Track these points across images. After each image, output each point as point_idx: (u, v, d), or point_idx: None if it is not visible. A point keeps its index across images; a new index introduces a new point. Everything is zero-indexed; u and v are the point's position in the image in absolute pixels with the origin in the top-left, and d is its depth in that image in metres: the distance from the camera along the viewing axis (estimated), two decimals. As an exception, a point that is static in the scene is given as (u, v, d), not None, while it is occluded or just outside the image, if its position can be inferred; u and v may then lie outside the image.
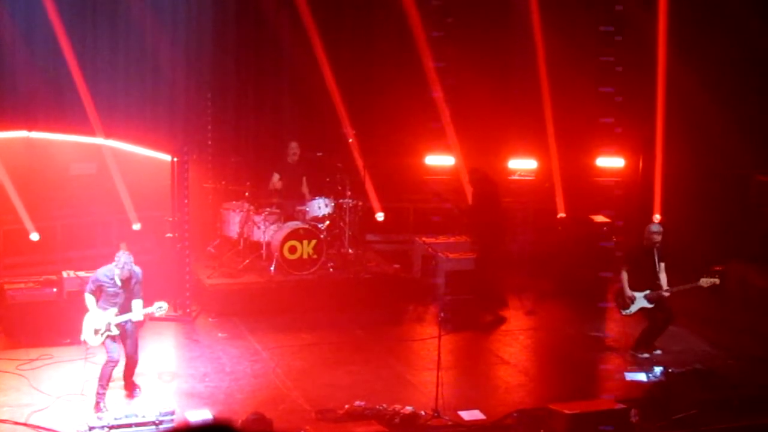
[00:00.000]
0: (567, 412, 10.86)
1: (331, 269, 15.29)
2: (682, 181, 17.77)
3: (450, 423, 11.30)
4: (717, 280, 13.37)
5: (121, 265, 11.35)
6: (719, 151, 17.55)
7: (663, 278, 13.44)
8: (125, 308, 11.49)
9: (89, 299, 11.48)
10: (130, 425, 10.56)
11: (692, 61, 17.30)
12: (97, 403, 11.22)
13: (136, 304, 11.50)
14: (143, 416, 10.65)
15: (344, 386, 12.20)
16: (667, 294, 13.34)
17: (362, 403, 11.38)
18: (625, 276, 13.50)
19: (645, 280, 13.45)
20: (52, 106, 15.44)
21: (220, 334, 13.92)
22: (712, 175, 17.74)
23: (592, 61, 17.36)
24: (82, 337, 11.53)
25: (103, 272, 11.53)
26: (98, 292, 11.50)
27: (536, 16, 17.33)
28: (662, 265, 13.49)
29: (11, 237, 15.16)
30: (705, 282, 13.37)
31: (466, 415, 11.48)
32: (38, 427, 10.82)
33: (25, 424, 10.87)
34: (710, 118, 17.34)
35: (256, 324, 14.20)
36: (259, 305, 14.69)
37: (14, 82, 15.20)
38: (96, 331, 11.43)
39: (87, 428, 10.50)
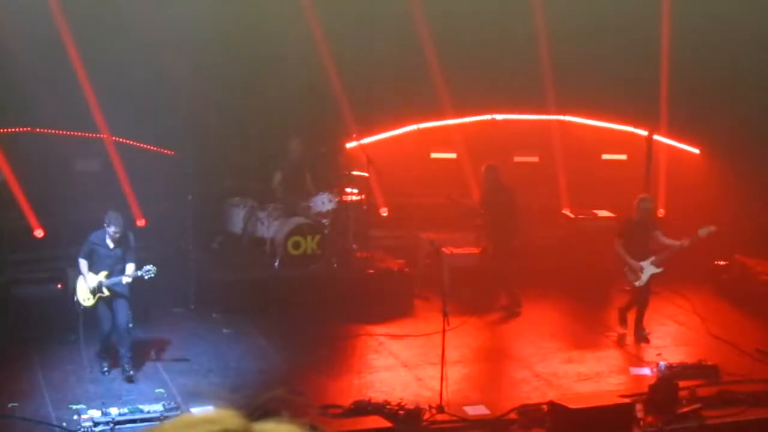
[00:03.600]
0: (571, 407, 10.85)
1: (335, 265, 15.29)
2: (688, 176, 17.79)
3: (454, 418, 11.30)
4: (713, 228, 13.84)
5: (110, 222, 11.73)
6: (725, 145, 17.55)
7: (668, 241, 13.91)
8: (117, 273, 11.90)
9: (82, 263, 11.94)
10: (134, 420, 10.58)
11: (697, 55, 17.31)
12: (101, 369, 11.91)
13: (129, 267, 11.89)
14: (148, 411, 10.67)
15: (348, 381, 12.21)
16: (687, 245, 13.79)
17: (366, 398, 11.39)
18: (621, 248, 13.87)
19: (644, 249, 13.87)
20: (56, 102, 15.45)
21: (224, 330, 13.92)
22: (718, 169, 17.74)
23: (597, 56, 17.38)
24: (75, 299, 11.98)
25: (95, 235, 11.96)
26: (91, 255, 11.93)
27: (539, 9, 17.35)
28: (658, 233, 13.98)
29: (16, 233, 15.17)
30: (703, 232, 13.84)
31: (471, 410, 11.48)
32: (43, 422, 10.83)
33: (31, 420, 10.89)
34: (716, 111, 17.34)
35: (261, 319, 14.21)
36: (263, 301, 14.70)
37: (18, 78, 15.21)
38: (88, 293, 11.86)
39: (92, 423, 10.52)
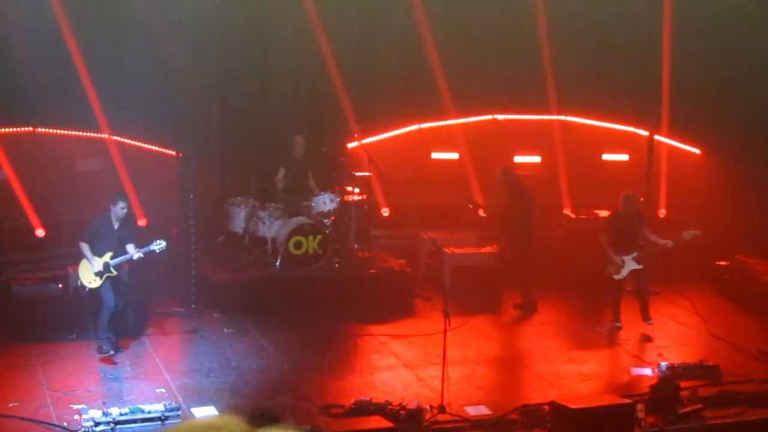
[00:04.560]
0: (573, 407, 10.85)
1: (336, 264, 15.30)
2: (689, 176, 17.78)
3: (456, 418, 11.29)
4: (698, 232, 14.15)
5: (118, 199, 12.38)
6: (727, 145, 17.54)
7: (654, 238, 14.30)
8: (120, 254, 12.44)
9: (84, 247, 12.44)
10: (135, 420, 10.57)
11: (697, 56, 17.30)
12: (99, 347, 12.35)
13: (129, 248, 12.40)
14: (149, 411, 10.66)
15: (350, 381, 12.21)
16: (670, 246, 14.13)
17: (368, 399, 11.38)
18: (605, 242, 14.26)
19: (629, 244, 14.23)
20: (58, 101, 15.47)
21: (225, 330, 13.93)
22: (719, 170, 17.74)
23: (598, 54, 17.40)
24: (79, 284, 12.50)
25: (99, 217, 12.58)
26: (94, 239, 12.45)
27: (541, 9, 17.33)
28: (645, 229, 14.39)
29: (17, 233, 15.19)
30: (687, 235, 14.14)
31: (472, 410, 11.48)
32: (44, 422, 10.83)
33: (31, 420, 10.88)
34: (717, 111, 17.33)
35: (262, 319, 14.21)
36: (264, 300, 14.69)
37: (20, 77, 15.21)
38: (94, 275, 12.36)
39: (93, 423, 10.51)
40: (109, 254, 12.40)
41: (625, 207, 14.40)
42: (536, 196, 15.79)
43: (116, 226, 12.50)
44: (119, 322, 12.91)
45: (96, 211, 12.97)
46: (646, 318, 14.33)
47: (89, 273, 12.47)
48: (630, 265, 14.17)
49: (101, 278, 12.42)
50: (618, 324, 14.29)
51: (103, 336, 12.39)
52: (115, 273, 12.45)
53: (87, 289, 12.50)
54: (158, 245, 12.38)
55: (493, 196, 16.25)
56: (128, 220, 12.64)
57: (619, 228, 14.33)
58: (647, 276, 14.39)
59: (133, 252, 12.39)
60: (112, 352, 12.28)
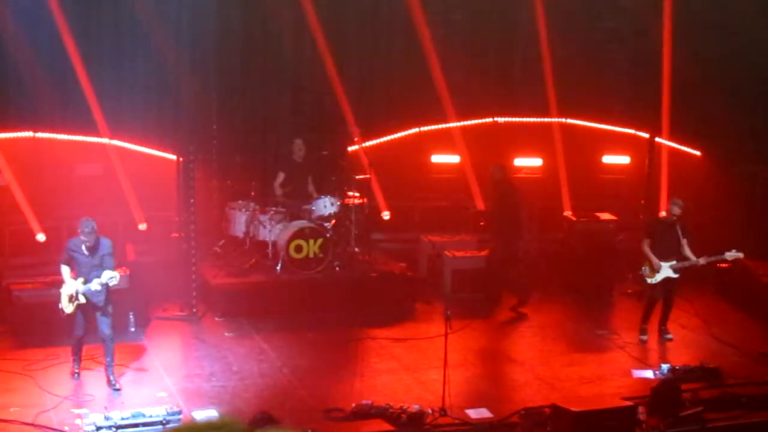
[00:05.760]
0: (574, 409, 10.84)
1: (337, 268, 15.29)
2: (689, 178, 17.78)
3: (457, 421, 11.29)
4: (741, 254, 13.89)
5: (84, 229, 11.57)
6: (727, 147, 17.54)
7: (688, 252, 13.89)
8: (93, 280, 11.68)
9: (64, 269, 11.95)
10: (137, 425, 10.56)
11: (697, 58, 17.30)
12: (71, 371, 12.06)
13: (105, 274, 11.60)
14: (150, 416, 10.66)
15: (351, 385, 12.20)
16: (703, 263, 13.86)
17: (369, 402, 11.37)
18: (647, 246, 13.93)
19: (667, 251, 13.89)
20: (58, 106, 15.49)
21: (226, 334, 13.92)
22: (720, 172, 17.74)
23: (598, 56, 17.41)
24: (60, 306, 12.00)
25: (73, 241, 11.90)
26: (71, 261, 11.90)
27: (541, 12, 17.34)
28: (685, 240, 13.93)
29: (17, 237, 15.20)
30: (730, 256, 13.87)
31: (473, 413, 11.47)
32: (45, 427, 10.82)
33: (32, 425, 10.87)
34: (717, 113, 17.34)
35: (263, 323, 14.22)
36: (265, 304, 14.70)
37: (19, 82, 15.23)
38: (69, 299, 11.88)
39: (94, 428, 10.51)
40: (81, 280, 11.77)
41: (668, 212, 14.16)
42: (525, 197, 15.80)
43: (87, 252, 11.76)
44: (104, 347, 12.13)
45: (96, 216, 12.94)
46: (663, 331, 14.12)
47: (65, 296, 11.94)
48: (665, 271, 13.87)
49: (72, 304, 11.85)
50: (644, 337, 14.08)
51: (73, 362, 12.10)
52: (83, 301, 11.79)
53: (65, 313, 11.96)
54: (110, 279, 11.55)
55: (491, 199, 16.27)
56: (98, 246, 11.80)
57: (657, 232, 14.07)
58: (677, 289, 14.12)
59: (94, 282, 11.61)
60: (77, 377, 12.03)
